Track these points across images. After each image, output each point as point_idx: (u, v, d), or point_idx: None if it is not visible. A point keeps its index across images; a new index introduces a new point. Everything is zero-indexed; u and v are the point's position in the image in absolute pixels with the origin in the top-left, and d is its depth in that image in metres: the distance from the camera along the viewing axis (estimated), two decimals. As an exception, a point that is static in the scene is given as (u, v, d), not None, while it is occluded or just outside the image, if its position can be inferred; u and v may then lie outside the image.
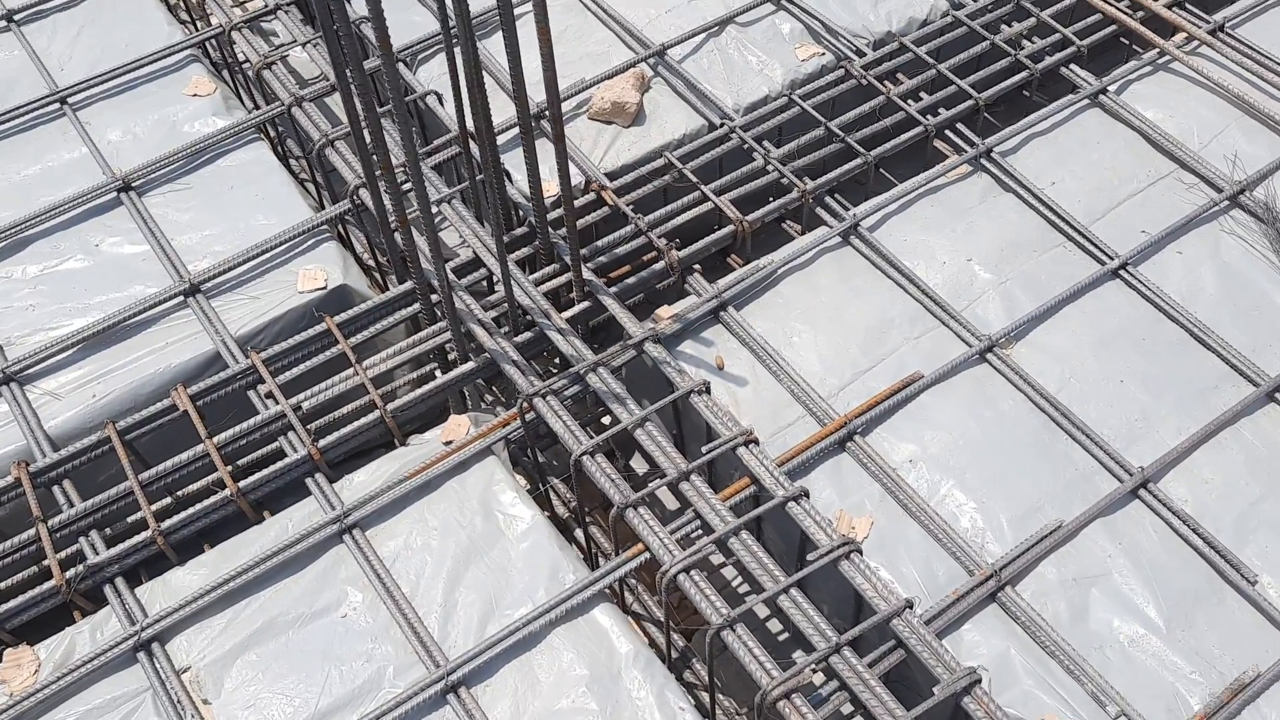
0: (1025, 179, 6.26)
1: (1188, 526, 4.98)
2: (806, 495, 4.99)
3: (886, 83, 6.74)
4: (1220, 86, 6.59)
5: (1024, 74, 6.73)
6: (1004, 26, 7.08)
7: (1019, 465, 5.22)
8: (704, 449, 5.15)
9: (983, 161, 6.38)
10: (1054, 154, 6.43)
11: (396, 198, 5.11)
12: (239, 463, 5.41)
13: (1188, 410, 5.36)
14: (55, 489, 5.28)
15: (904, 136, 6.45)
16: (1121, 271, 5.85)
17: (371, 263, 6.99)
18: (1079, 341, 5.63)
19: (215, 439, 5.32)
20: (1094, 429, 5.30)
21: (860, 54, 6.95)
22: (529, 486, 6.31)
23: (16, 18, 7.41)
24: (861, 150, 6.34)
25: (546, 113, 6.48)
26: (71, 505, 5.21)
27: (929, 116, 6.56)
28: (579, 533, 5.86)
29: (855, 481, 5.21)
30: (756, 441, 5.17)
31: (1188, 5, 7.11)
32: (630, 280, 5.92)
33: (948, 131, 6.54)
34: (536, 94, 5.83)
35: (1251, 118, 6.49)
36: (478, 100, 5.12)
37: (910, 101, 6.64)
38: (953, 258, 5.99)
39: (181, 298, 5.96)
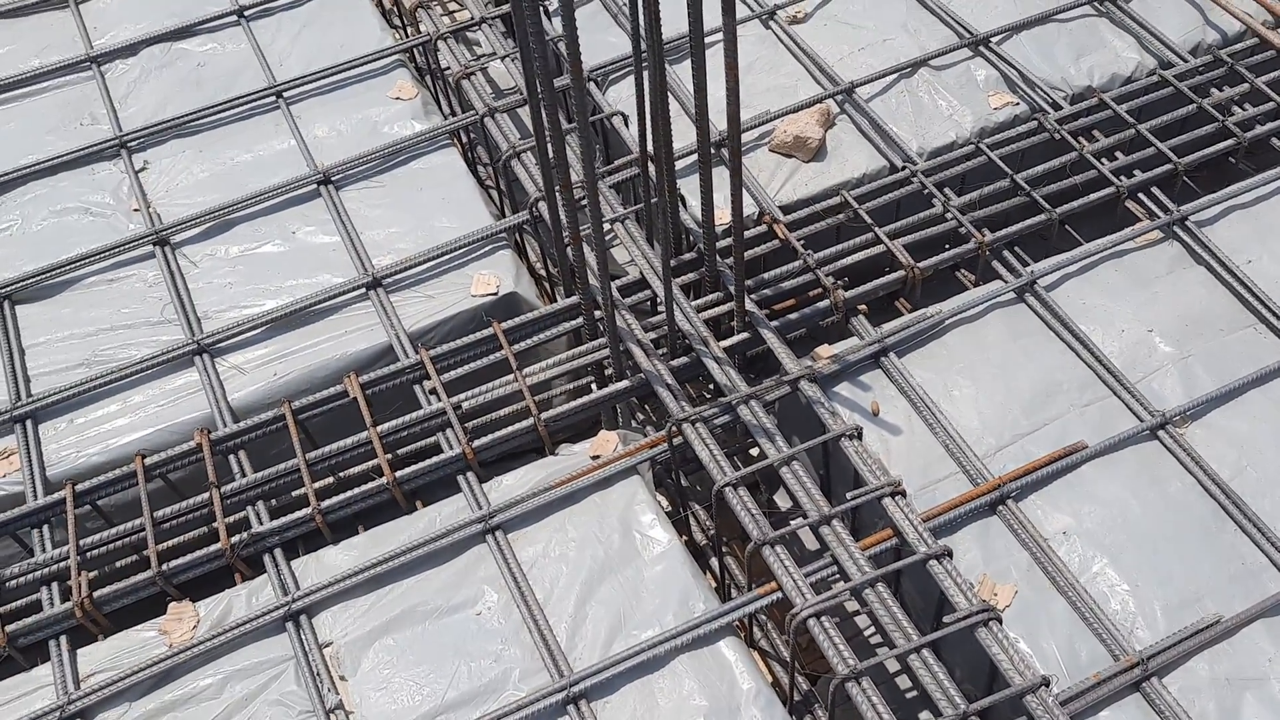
0: (1220, 252, 5.96)
1: (1363, 641, 4.64)
2: (949, 555, 4.88)
3: (1081, 139, 6.52)
4: None
5: (1230, 141, 6.41)
6: (1214, 90, 6.76)
7: (1181, 552, 4.96)
8: (849, 495, 5.10)
9: (1175, 229, 6.10)
10: (1255, 229, 6.10)
11: (572, 214, 5.25)
12: (398, 452, 5.66)
13: (1377, 516, 5.00)
14: (231, 458, 5.63)
15: (1094, 196, 6.23)
16: (1318, 360, 5.50)
17: (542, 273, 7.19)
18: (1260, 429, 5.32)
19: (379, 428, 5.57)
20: (1268, 524, 4.99)
21: (1056, 107, 6.75)
22: (669, 509, 6.37)
23: (247, 13, 7.94)
24: (1047, 206, 6.16)
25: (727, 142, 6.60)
26: (244, 475, 5.54)
27: (1123, 177, 6.31)
28: (714, 561, 5.88)
29: (1003, 547, 5.06)
30: (904, 493, 5.08)
31: None
32: (793, 316, 5.91)
33: (1141, 194, 6.29)
34: (720, 122, 5.89)
35: None
36: (661, 125, 5.23)
37: (1104, 160, 6.41)
38: (1132, 327, 5.75)
39: (364, 290, 6.27)
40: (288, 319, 6.18)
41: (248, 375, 6.00)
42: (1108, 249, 6.06)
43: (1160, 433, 5.33)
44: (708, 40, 7.17)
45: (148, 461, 5.54)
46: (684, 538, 6.22)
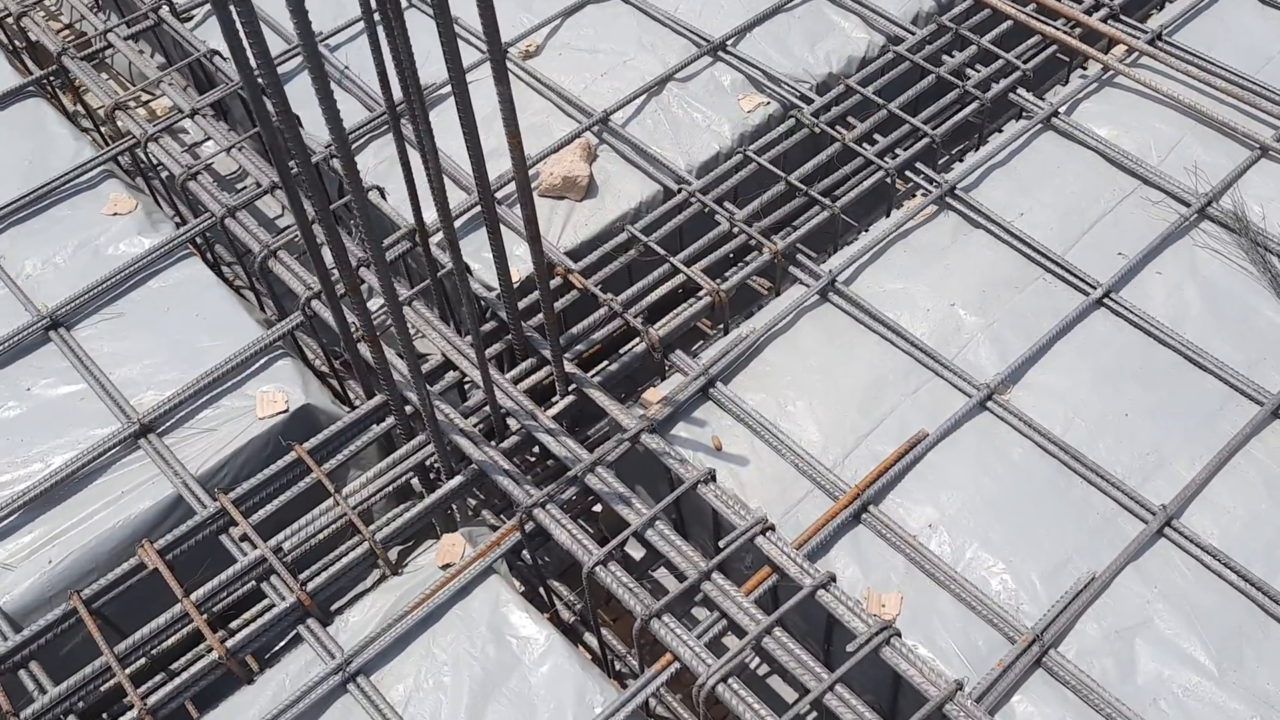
0: (992, 213, 6.14)
1: (1219, 561, 4.87)
2: (834, 580, 4.77)
3: (839, 128, 6.58)
4: (1169, 97, 6.57)
5: (974, 105, 6.63)
6: (945, 57, 6.99)
7: (1040, 517, 5.06)
8: (721, 543, 4.90)
9: (948, 200, 6.25)
10: (1017, 184, 6.34)
11: (362, 309, 4.78)
12: (218, 610, 5.01)
13: (1197, 438, 5.27)
14: (23, 674, 4.81)
15: (865, 184, 6.28)
16: (1106, 300, 5.75)
17: (327, 369, 6.59)
18: (1077, 378, 5.51)
19: (193, 596, 4.90)
20: (1108, 469, 5.16)
21: (806, 100, 6.78)
22: (524, 589, 6.00)
23: (-94, 147, 6.87)
24: (826, 202, 6.16)
25: (497, 194, 6.25)
26: (44, 690, 4.74)
27: (887, 158, 6.41)
28: (589, 637, 5.57)
29: (877, 555, 5.00)
30: (773, 528, 4.93)
31: (1122, 18, 7.10)
32: (613, 367, 5.65)
33: (908, 172, 6.40)
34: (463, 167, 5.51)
35: (1205, 125, 6.47)
36: (437, 188, 4.81)
37: (865, 145, 6.49)
38: (935, 304, 5.83)
39: (132, 439, 5.52)
40: (48, 494, 5.35)
41: (16, 570, 5.15)
42: (892, 232, 6.14)
43: (989, 404, 5.42)
44: (444, 92, 6.86)
45: (-82, 707, 4.65)
46: (548, 615, 5.88)
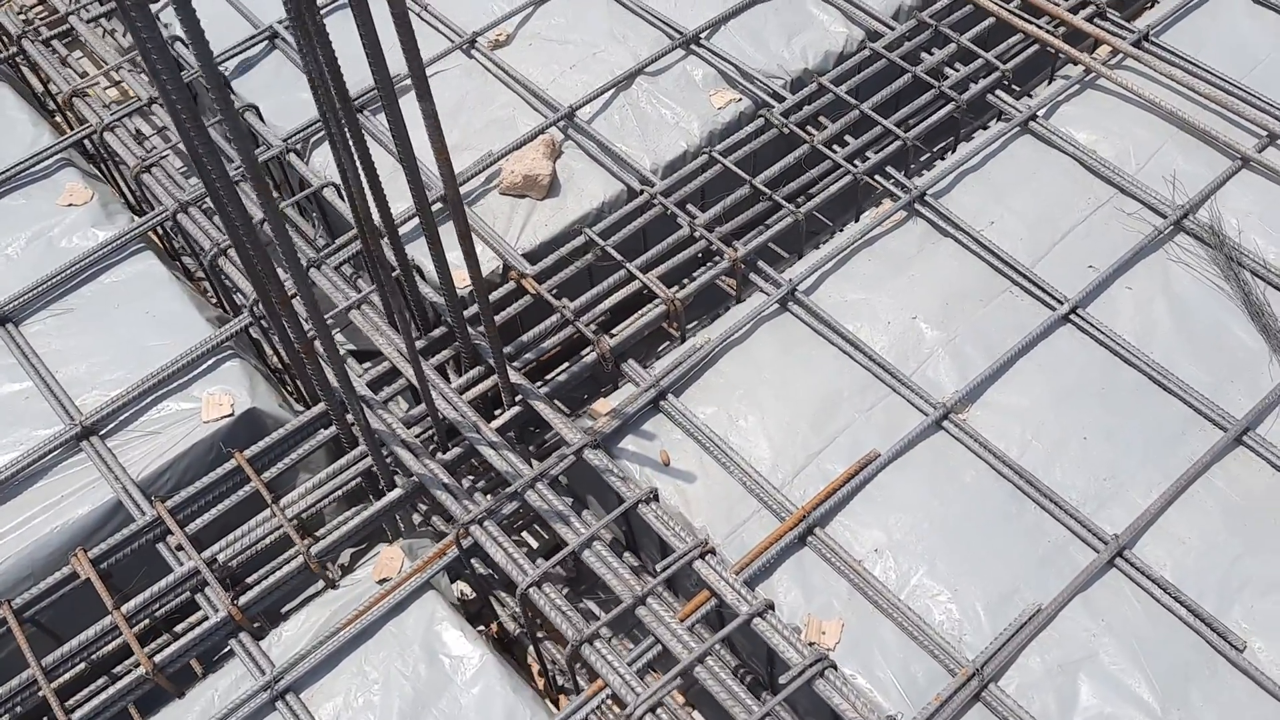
0: (962, 221, 5.97)
1: (1169, 595, 4.74)
2: (771, 608, 4.67)
3: (809, 129, 6.39)
4: (1151, 102, 6.35)
5: (950, 106, 6.43)
6: (924, 55, 6.77)
7: (989, 544, 4.94)
8: (658, 566, 4.80)
9: (917, 206, 6.07)
10: (989, 190, 6.15)
11: (295, 323, 4.66)
12: (157, 615, 4.97)
13: (1157, 463, 5.12)
14: (-49, 683, 4.79)
15: (833, 188, 6.11)
16: (1072, 316, 5.58)
17: (282, 368, 6.50)
18: (1037, 398, 5.36)
19: (126, 607, 4.85)
20: (1062, 495, 5.03)
21: (779, 98, 6.59)
22: (470, 596, 5.94)
23: None
24: (790, 208, 6.00)
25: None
26: (-29, 701, 4.72)
27: (857, 161, 6.24)
28: (531, 650, 5.50)
29: (821, 579, 4.90)
30: (714, 551, 4.83)
31: (1109, 16, 6.86)
32: (562, 377, 5.54)
33: (878, 175, 6.23)
34: (431, 163, 5.33)
35: (1187, 133, 6.26)
36: (375, 191, 4.68)
37: (835, 147, 6.31)
38: (897, 316, 5.68)
39: (74, 442, 5.45)
40: (-11, 496, 5.31)
41: (-48, 575, 5.12)
42: (858, 239, 5.97)
43: (945, 423, 5.28)
44: (396, 87, 6.69)
45: None
46: (494, 625, 5.83)
